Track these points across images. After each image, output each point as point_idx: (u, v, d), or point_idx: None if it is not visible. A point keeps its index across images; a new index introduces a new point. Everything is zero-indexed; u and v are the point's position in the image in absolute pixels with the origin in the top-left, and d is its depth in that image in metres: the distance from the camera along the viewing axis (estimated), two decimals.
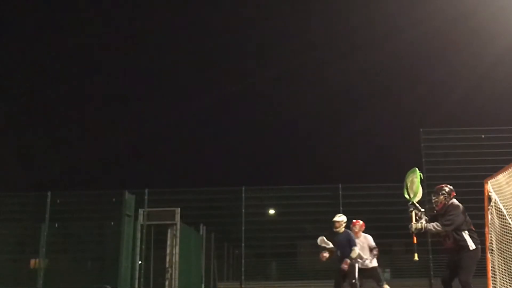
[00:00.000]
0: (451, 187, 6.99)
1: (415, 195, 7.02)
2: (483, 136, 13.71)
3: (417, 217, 6.90)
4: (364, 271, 9.18)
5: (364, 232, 9.65)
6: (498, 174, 7.29)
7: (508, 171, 6.97)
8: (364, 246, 9.32)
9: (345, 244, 8.88)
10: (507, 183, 7.05)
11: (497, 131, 13.80)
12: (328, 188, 15.17)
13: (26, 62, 47.30)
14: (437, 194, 6.93)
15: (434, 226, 6.72)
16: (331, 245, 9.02)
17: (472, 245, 6.56)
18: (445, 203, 6.85)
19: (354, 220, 9.60)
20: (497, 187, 7.32)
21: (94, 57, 52.57)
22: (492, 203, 7.40)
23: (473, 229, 6.74)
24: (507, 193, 7.06)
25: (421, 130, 13.99)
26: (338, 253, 8.97)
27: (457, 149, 13.52)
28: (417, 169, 7.24)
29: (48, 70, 49.71)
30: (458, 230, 6.63)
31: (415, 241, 6.90)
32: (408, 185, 7.21)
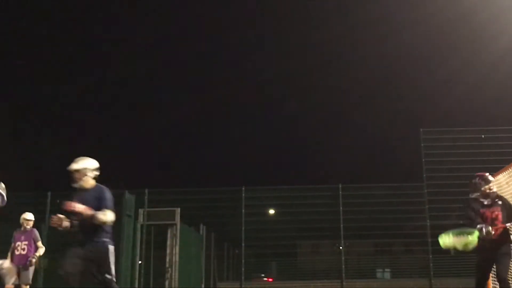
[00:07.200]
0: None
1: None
2: (483, 136, 13.68)
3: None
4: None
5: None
6: (498, 174, 7.29)
7: (508, 171, 6.97)
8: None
9: (92, 204, 5.46)
10: (507, 183, 7.05)
11: (497, 131, 13.77)
12: (328, 188, 15.12)
13: (27, 61, 47.33)
14: (487, 182, 5.98)
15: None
16: None
17: None
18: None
19: None
20: (497, 187, 7.30)
21: (95, 58, 52.60)
22: None
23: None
24: (507, 193, 7.06)
25: (421, 130, 13.96)
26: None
27: (457, 149, 13.50)
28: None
29: (48, 70, 49.71)
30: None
31: None
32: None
